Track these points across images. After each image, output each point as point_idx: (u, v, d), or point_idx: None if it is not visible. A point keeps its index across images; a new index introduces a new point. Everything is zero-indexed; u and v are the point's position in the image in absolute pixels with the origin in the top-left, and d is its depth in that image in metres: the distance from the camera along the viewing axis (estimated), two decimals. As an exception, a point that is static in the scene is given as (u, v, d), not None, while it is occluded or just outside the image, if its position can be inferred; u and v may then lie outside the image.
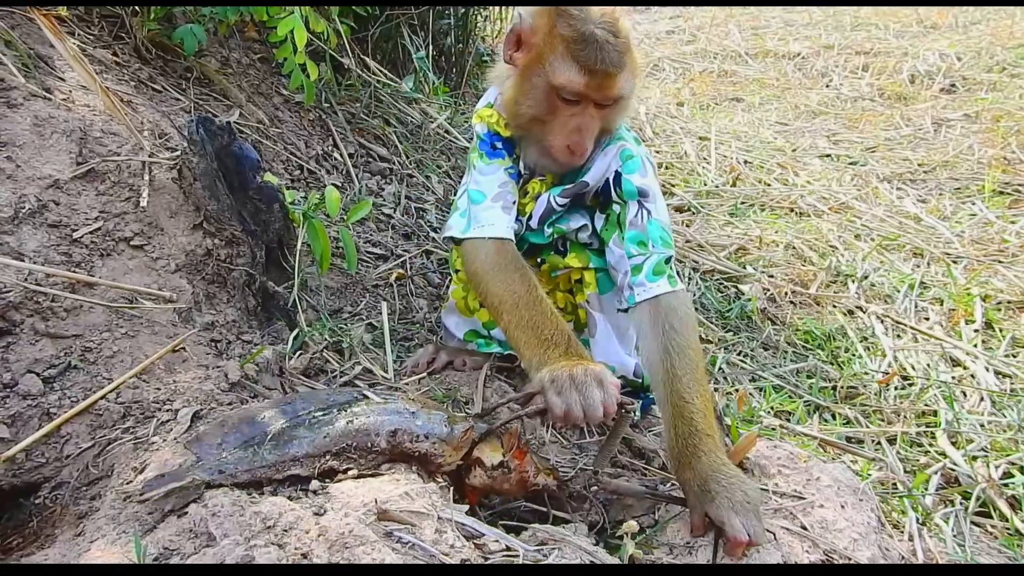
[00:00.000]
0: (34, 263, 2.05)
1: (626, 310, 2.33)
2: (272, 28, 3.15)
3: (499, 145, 2.46)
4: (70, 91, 2.54)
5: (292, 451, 1.68)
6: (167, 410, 1.93)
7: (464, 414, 1.97)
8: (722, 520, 1.81)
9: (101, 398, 1.93)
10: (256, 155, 2.49)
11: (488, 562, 1.51)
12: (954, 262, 3.91)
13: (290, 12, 3.05)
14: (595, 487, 2.06)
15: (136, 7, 3.10)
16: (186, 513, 1.54)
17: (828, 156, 5.63)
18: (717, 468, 1.92)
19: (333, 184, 3.34)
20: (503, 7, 5.66)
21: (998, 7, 9.13)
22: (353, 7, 4.19)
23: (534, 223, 2.40)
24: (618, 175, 2.38)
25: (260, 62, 3.83)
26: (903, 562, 2.05)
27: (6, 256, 2.02)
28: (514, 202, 2.40)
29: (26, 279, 2.01)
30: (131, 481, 1.72)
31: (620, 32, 2.20)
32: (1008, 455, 2.58)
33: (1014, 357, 3.14)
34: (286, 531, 1.45)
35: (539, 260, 2.50)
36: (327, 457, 1.70)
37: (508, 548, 1.59)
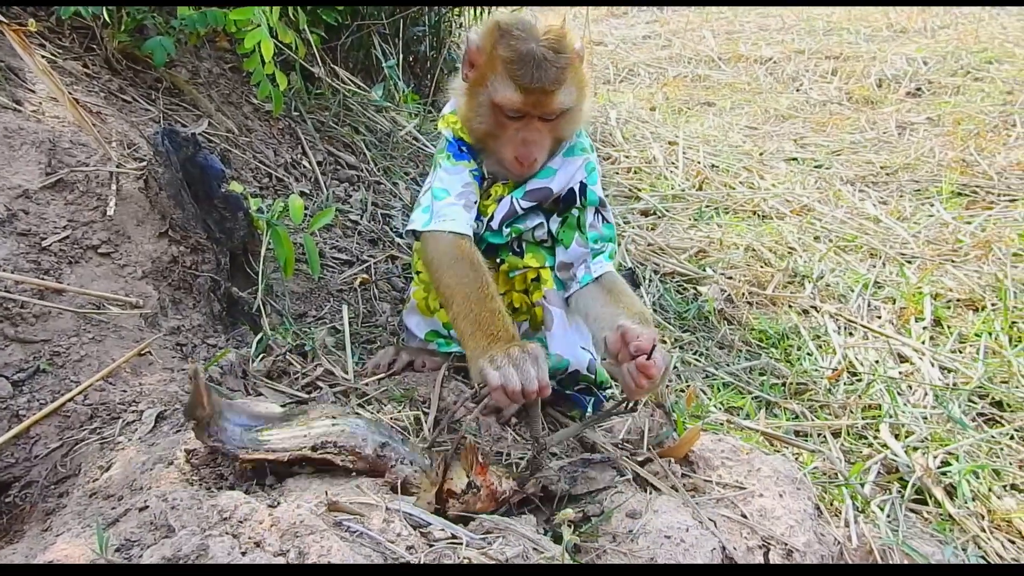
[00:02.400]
0: (3, 271, 2.13)
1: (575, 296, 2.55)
2: (238, 40, 3.23)
3: (464, 149, 2.57)
4: (40, 103, 2.62)
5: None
6: (133, 411, 2.01)
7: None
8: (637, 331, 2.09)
9: (69, 400, 2.02)
10: (221, 165, 2.58)
11: (432, 549, 1.61)
12: (908, 262, 4.03)
13: (257, 24, 3.14)
14: (541, 451, 2.15)
15: (107, 20, 3.18)
16: (147, 507, 1.63)
17: (794, 159, 5.76)
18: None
19: (301, 191, 3.43)
20: (476, 13, 5.75)
21: (967, 10, 9.33)
22: (323, 16, 4.28)
23: (495, 224, 2.49)
24: (583, 185, 2.53)
25: (231, 71, 3.91)
26: (837, 546, 2.16)
27: (-23, 265, 2.10)
28: (475, 202, 2.50)
29: (-4, 287, 2.10)
30: (97, 480, 1.82)
31: (563, 49, 2.30)
32: (946, 445, 2.69)
33: (960, 352, 3.26)
34: (241, 522, 1.54)
35: (498, 260, 2.60)
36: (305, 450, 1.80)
37: (453, 536, 1.68)
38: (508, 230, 2.51)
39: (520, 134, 2.37)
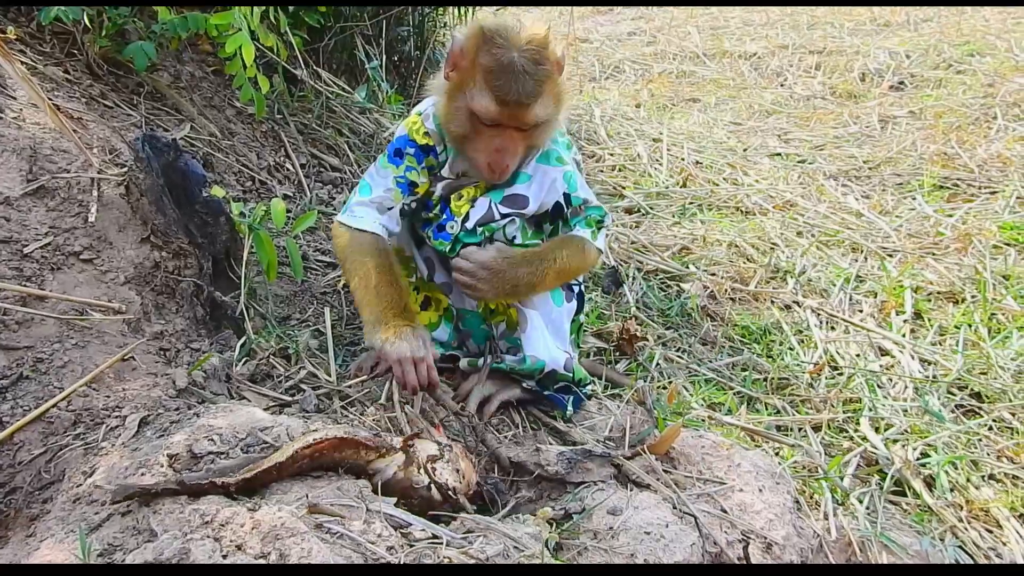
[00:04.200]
0: (-14, 279, 2.15)
1: None
2: (220, 44, 3.25)
3: (410, 151, 2.65)
4: (21, 109, 2.63)
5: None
6: (116, 416, 2.03)
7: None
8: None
9: (52, 406, 2.03)
10: (202, 170, 2.60)
11: (413, 549, 1.63)
12: (889, 256, 4.07)
13: (238, 29, 3.15)
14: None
15: (88, 25, 3.19)
16: (130, 511, 1.65)
17: (778, 155, 5.78)
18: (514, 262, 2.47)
19: (285, 194, 3.45)
20: (460, 13, 5.77)
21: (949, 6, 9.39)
22: (306, 19, 4.29)
23: (470, 224, 2.53)
24: (567, 196, 2.59)
25: (214, 75, 3.92)
26: (817, 539, 2.19)
27: (-42, 273, 2.11)
28: (390, 207, 2.64)
29: (-22, 294, 2.11)
30: (81, 484, 1.83)
31: (543, 59, 2.34)
32: (925, 438, 2.72)
33: (939, 345, 3.30)
34: (222, 525, 1.56)
35: None
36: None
37: (434, 536, 1.71)
38: (482, 229, 2.54)
39: (495, 141, 2.41)
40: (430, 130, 2.63)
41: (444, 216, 2.62)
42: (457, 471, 2.00)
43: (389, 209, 2.64)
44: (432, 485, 1.91)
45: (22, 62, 2.79)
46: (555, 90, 2.43)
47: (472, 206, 2.55)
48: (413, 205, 2.70)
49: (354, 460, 1.86)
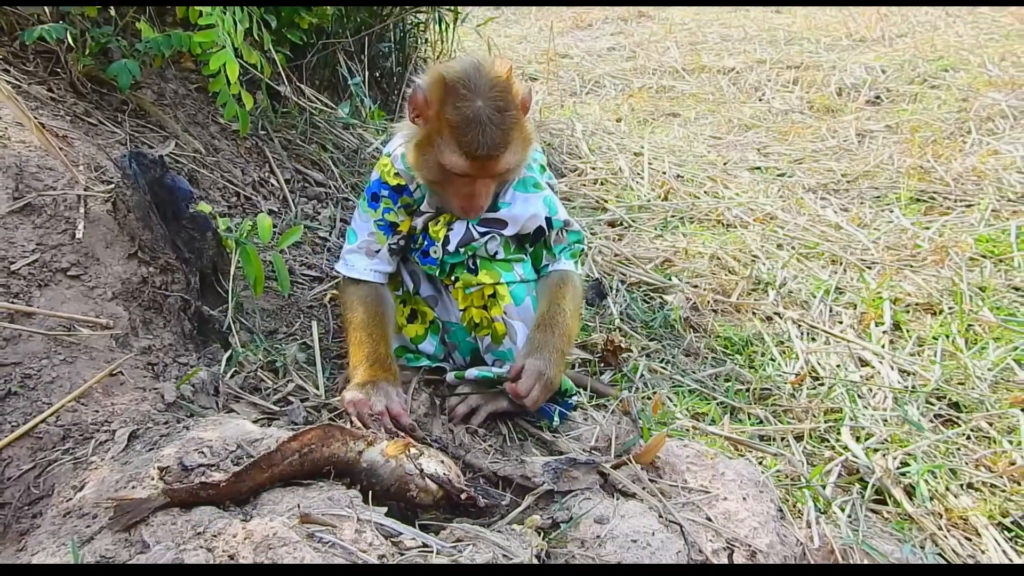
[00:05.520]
0: (-27, 295, 2.15)
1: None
2: (203, 62, 3.27)
3: (384, 194, 2.74)
4: (5, 128, 2.64)
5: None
6: (105, 431, 2.04)
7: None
8: (527, 372, 2.49)
9: (41, 422, 2.04)
10: (188, 186, 2.62)
11: (403, 557, 1.65)
12: (868, 268, 4.12)
13: (222, 46, 3.17)
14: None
15: (71, 44, 3.20)
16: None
17: (758, 168, 5.85)
18: (556, 361, 2.54)
19: (270, 209, 3.46)
20: (443, 28, 5.82)
21: (924, 18, 9.54)
22: (289, 36, 4.32)
23: (451, 247, 2.59)
24: (549, 219, 2.69)
25: (197, 91, 3.93)
26: (800, 547, 2.22)
27: (-54, 289, 2.12)
28: (377, 250, 2.77)
29: (-34, 311, 2.11)
30: (71, 499, 1.84)
31: (508, 105, 2.40)
32: (905, 447, 2.77)
33: (918, 356, 3.35)
34: (215, 536, 1.57)
35: (453, 279, 2.67)
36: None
37: (424, 545, 1.73)
38: (464, 249, 2.59)
39: (467, 188, 2.50)
40: (400, 170, 2.70)
41: (425, 243, 2.68)
42: (442, 463, 2.03)
43: (377, 252, 2.76)
44: (424, 474, 1.94)
45: (6, 81, 2.79)
46: (522, 135, 2.49)
47: (450, 229, 2.61)
48: (401, 242, 2.79)
49: (343, 454, 1.89)
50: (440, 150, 2.41)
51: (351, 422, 2.32)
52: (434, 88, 2.42)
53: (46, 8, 3.23)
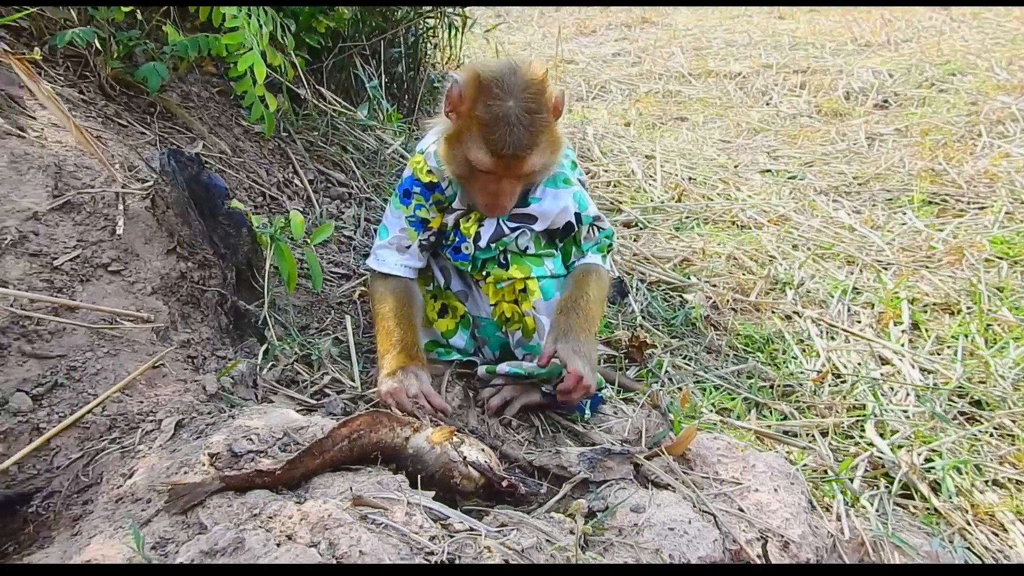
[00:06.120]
0: (18, 290, 2.19)
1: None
2: (231, 64, 3.31)
3: (416, 190, 2.77)
4: (42, 129, 2.68)
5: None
6: (151, 420, 2.07)
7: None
8: (567, 362, 2.47)
9: (88, 412, 2.07)
10: (224, 183, 2.66)
11: (453, 540, 1.68)
12: (884, 268, 4.16)
13: (249, 48, 3.22)
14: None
15: (99, 47, 3.24)
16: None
17: (768, 171, 5.89)
18: (584, 341, 2.55)
19: (295, 209, 3.50)
20: (452, 34, 5.87)
21: (929, 23, 9.59)
22: (307, 40, 4.37)
23: (482, 243, 2.62)
24: (578, 215, 2.72)
25: (219, 95, 3.97)
26: (830, 538, 2.25)
27: (-8, 284, 2.16)
28: (408, 246, 2.81)
29: (11, 305, 2.15)
30: (121, 486, 1.87)
31: (540, 107, 2.43)
32: (929, 443, 2.80)
33: (937, 355, 3.38)
34: (271, 517, 1.61)
35: (484, 274, 2.70)
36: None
37: (471, 529, 1.76)
38: (495, 244, 2.62)
39: (492, 186, 2.52)
40: (432, 168, 2.73)
41: (457, 239, 2.70)
42: (482, 451, 2.07)
43: (407, 248, 2.81)
44: (467, 462, 1.97)
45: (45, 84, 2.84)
46: (551, 138, 2.52)
47: (481, 225, 2.64)
48: (431, 239, 2.82)
49: (390, 440, 1.92)
50: (468, 146, 2.45)
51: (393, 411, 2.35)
52: (469, 85, 2.45)
53: (73, 12, 3.28)
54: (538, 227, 2.66)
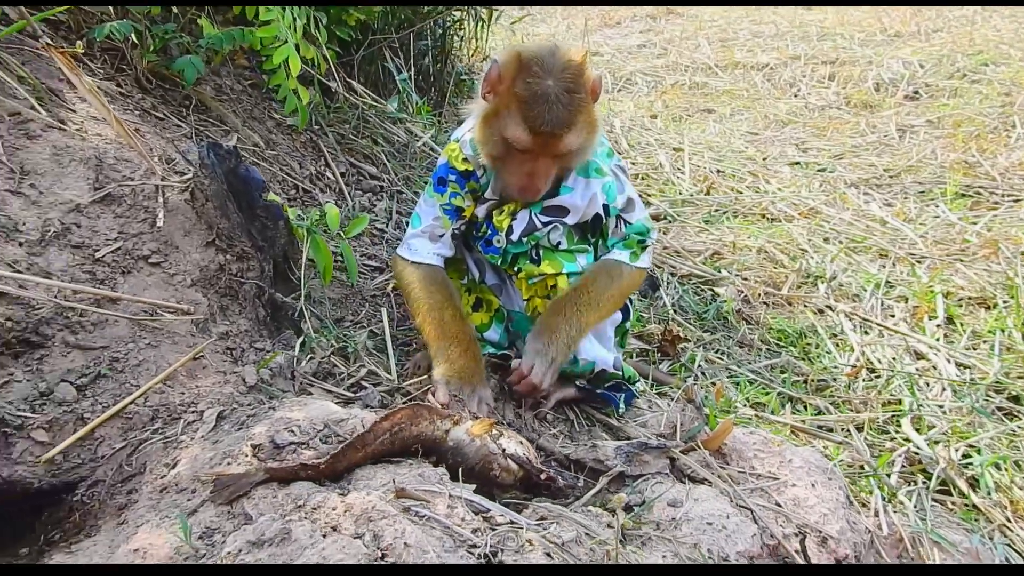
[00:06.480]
0: (62, 281, 2.21)
1: None
2: (264, 57, 3.33)
3: (452, 178, 2.75)
4: (82, 122, 2.70)
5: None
6: (192, 411, 2.10)
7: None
8: (523, 357, 2.54)
9: (131, 403, 2.10)
10: (261, 176, 2.68)
11: (495, 533, 1.69)
12: (918, 262, 4.13)
13: (283, 42, 3.23)
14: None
15: (135, 41, 3.27)
16: (222, 498, 1.71)
17: (797, 164, 5.86)
18: (553, 341, 2.55)
19: (327, 202, 3.52)
20: (479, 28, 5.87)
21: (960, 12, 9.46)
22: (338, 33, 4.38)
23: (514, 237, 2.61)
24: (606, 207, 2.68)
25: (251, 88, 3.99)
26: (868, 534, 2.24)
27: (36, 275, 2.18)
28: (441, 235, 2.77)
29: (55, 296, 2.18)
30: (165, 476, 1.89)
31: (578, 88, 2.42)
32: (967, 438, 2.78)
33: (973, 349, 3.35)
34: (315, 509, 1.62)
35: (516, 269, 2.70)
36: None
37: (512, 522, 1.76)
38: (526, 239, 2.61)
39: (527, 166, 2.50)
40: (468, 156, 2.72)
41: (489, 231, 2.70)
42: (521, 443, 2.07)
43: (440, 236, 2.78)
44: (506, 454, 1.98)
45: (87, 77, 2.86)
46: (588, 118, 2.50)
47: (514, 219, 2.63)
48: (463, 228, 2.81)
49: (431, 432, 1.93)
50: (505, 123, 2.44)
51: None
52: (509, 64, 2.46)
53: (111, 7, 3.31)
54: (570, 220, 2.64)
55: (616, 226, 2.74)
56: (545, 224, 2.61)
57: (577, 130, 2.45)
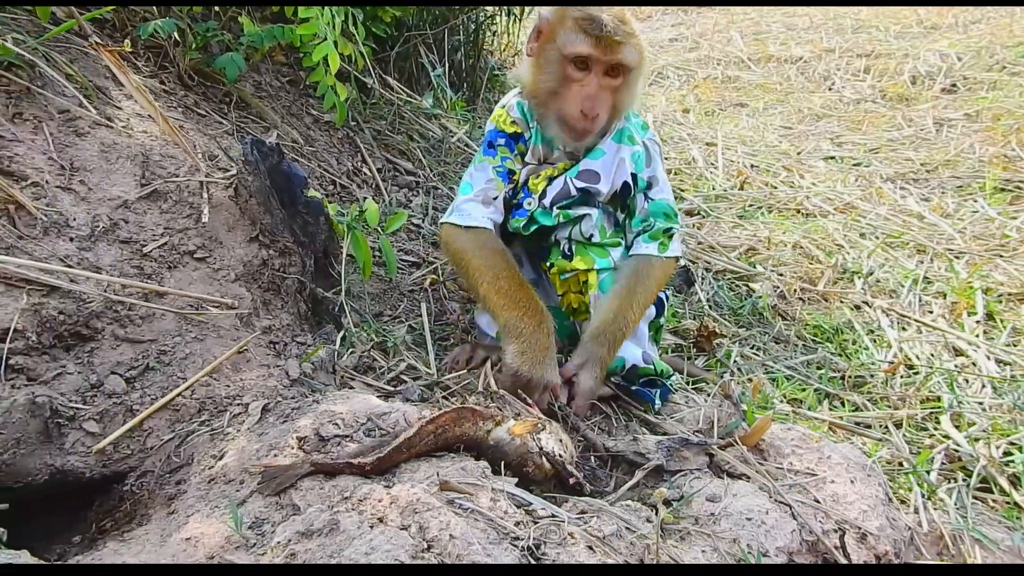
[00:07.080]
0: (111, 276, 2.27)
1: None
2: (303, 53, 3.37)
3: (501, 142, 2.76)
4: (128, 119, 2.76)
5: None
6: (238, 404, 2.14)
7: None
8: (574, 368, 2.53)
9: (178, 395, 2.14)
10: (303, 173, 2.72)
11: (537, 526, 1.71)
12: (956, 257, 4.09)
13: (323, 39, 3.27)
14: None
15: (177, 39, 3.32)
16: (270, 489, 1.75)
17: (832, 158, 5.81)
18: (602, 356, 2.55)
19: (364, 197, 3.56)
20: (510, 24, 5.90)
21: (998, 6, 9.30)
22: (373, 29, 4.42)
23: (547, 202, 2.65)
24: (634, 176, 2.68)
25: (289, 85, 4.05)
26: (908, 531, 2.23)
27: (86, 270, 2.23)
28: (495, 197, 2.72)
29: (105, 290, 2.23)
30: (212, 467, 1.94)
31: (627, 21, 2.49)
32: (1008, 436, 2.75)
33: (1014, 346, 3.32)
34: (361, 501, 1.65)
35: (548, 264, 2.71)
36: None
37: (554, 515, 1.79)
38: (557, 211, 2.63)
39: (586, 88, 2.53)
40: (516, 118, 2.75)
41: (523, 194, 2.72)
42: (560, 441, 2.09)
43: (494, 199, 2.73)
44: (542, 452, 2.00)
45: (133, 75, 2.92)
46: (638, 45, 2.54)
47: (549, 184, 2.65)
48: (511, 193, 2.79)
49: (473, 432, 1.96)
50: (563, 41, 2.50)
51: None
52: (557, 11, 2.55)
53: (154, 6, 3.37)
54: (602, 187, 2.63)
55: (643, 203, 2.75)
56: (580, 191, 2.62)
57: (633, 47, 2.50)
